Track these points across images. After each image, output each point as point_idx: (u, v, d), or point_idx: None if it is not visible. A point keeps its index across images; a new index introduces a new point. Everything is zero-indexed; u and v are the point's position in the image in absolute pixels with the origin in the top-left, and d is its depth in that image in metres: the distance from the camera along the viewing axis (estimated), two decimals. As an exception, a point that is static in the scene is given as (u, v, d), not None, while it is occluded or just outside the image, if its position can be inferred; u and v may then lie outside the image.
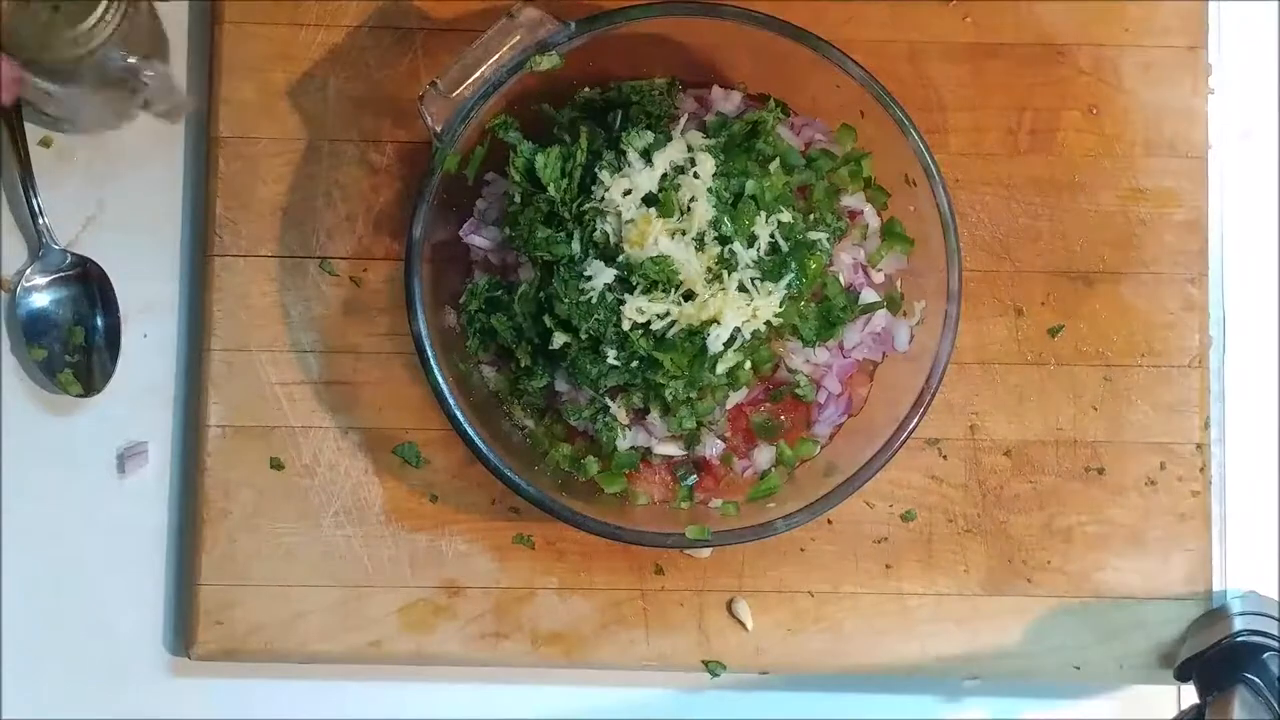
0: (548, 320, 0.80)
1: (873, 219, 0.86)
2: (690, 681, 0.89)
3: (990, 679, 0.89)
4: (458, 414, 0.80)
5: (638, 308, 0.77)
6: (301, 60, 0.90)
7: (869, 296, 0.85)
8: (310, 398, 0.89)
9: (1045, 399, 0.89)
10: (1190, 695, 0.84)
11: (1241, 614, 0.85)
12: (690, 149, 0.80)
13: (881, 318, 0.85)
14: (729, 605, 0.88)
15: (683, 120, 0.83)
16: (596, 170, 0.79)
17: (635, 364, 0.79)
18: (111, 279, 0.90)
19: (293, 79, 0.90)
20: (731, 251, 0.79)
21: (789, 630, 0.88)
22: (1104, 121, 0.90)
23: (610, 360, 0.79)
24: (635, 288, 0.78)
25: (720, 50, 0.85)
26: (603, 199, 0.78)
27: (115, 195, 0.91)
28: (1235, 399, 0.91)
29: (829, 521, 0.88)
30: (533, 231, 0.80)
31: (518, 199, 0.81)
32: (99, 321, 0.90)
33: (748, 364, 0.81)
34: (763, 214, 0.79)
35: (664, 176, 0.79)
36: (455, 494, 0.88)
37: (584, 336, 0.79)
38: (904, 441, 0.81)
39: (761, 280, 0.79)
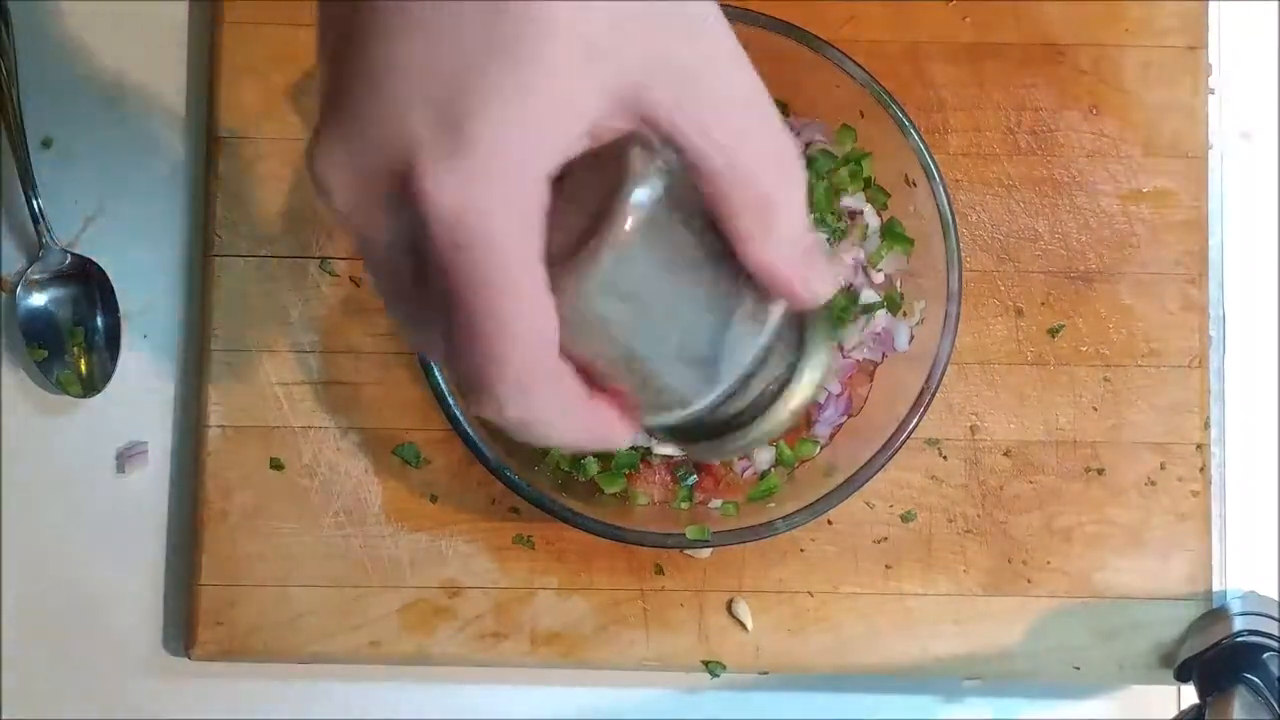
0: (548, 320, 0.80)
1: (873, 219, 0.86)
2: (690, 681, 0.89)
3: (990, 679, 0.89)
4: (458, 414, 0.80)
5: (638, 308, 0.77)
6: (301, 60, 0.89)
7: (869, 296, 0.85)
8: (310, 398, 0.89)
9: (1045, 399, 0.89)
10: (1190, 695, 0.83)
11: (1241, 614, 0.85)
12: (690, 149, 0.80)
13: (881, 318, 0.85)
14: (729, 605, 0.88)
15: (683, 120, 0.82)
16: (596, 170, 0.79)
17: (635, 364, 0.79)
18: (111, 279, 0.90)
19: (292, 79, 0.90)
20: (731, 251, 0.78)
21: (789, 630, 0.88)
22: (1104, 121, 0.90)
23: (610, 360, 0.79)
24: (635, 288, 0.78)
25: (720, 50, 0.85)
26: (603, 199, 0.78)
27: (115, 195, 0.91)
28: (1235, 399, 0.91)
29: (829, 522, 0.88)
30: (533, 231, 0.80)
31: (518, 199, 0.81)
32: (99, 321, 0.90)
33: (748, 364, 0.80)
34: (763, 214, 0.79)
35: (664, 177, 0.79)
36: (455, 494, 0.88)
37: (584, 336, 0.79)
38: (904, 441, 0.80)
39: (761, 280, 0.79)
